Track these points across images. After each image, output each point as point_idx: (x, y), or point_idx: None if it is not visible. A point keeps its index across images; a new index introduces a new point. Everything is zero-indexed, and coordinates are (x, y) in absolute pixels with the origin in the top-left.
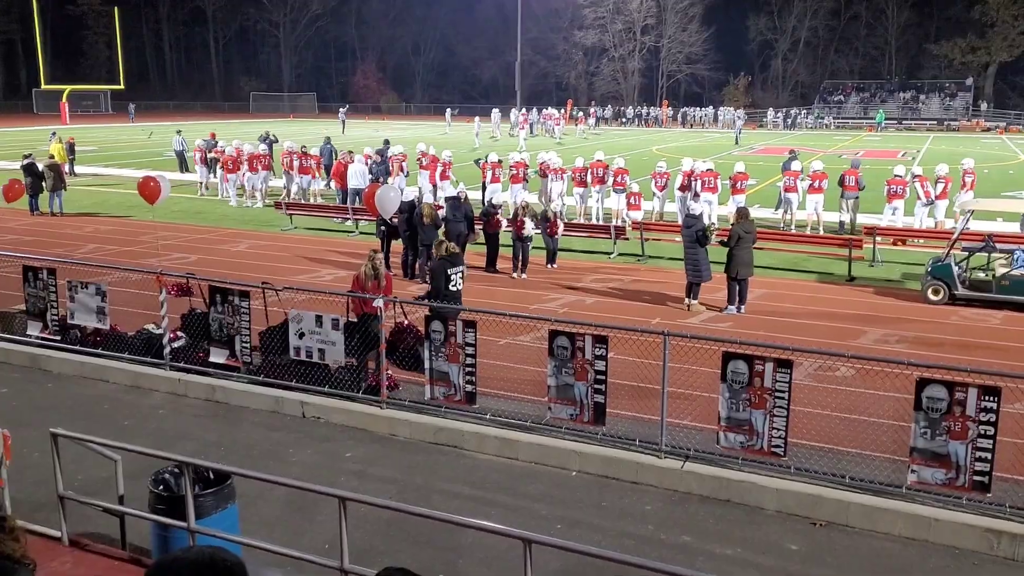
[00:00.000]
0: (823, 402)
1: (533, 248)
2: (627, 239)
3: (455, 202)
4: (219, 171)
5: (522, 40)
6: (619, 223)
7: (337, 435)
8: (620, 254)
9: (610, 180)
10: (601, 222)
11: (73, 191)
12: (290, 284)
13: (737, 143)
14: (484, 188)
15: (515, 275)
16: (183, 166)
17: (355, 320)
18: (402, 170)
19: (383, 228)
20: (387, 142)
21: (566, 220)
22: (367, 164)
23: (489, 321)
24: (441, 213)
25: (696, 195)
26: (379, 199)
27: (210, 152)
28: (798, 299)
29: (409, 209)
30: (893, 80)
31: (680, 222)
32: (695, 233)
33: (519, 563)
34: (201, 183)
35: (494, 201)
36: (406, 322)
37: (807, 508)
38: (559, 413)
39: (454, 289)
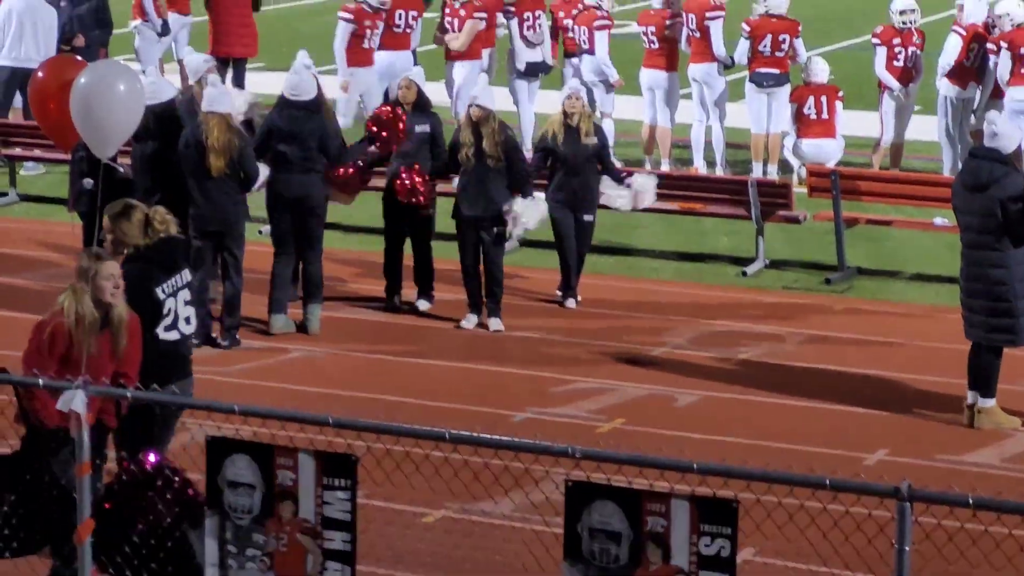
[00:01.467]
0: None
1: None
2: (797, 220)
3: (295, 110)
4: None
5: None
6: (770, 173)
7: None
8: (773, 263)
9: (742, 47)
10: (721, 170)
11: None
12: None
13: None
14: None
15: (467, 323)
16: None
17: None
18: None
19: (90, 188)
20: None
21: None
22: None
23: (395, 456)
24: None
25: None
26: (80, 99)
27: None
28: None
29: (159, 126)
30: None
31: (952, 173)
32: (998, 203)
33: None
34: None
35: (479, 103)
36: (153, 460)
37: None
38: None
39: (172, 337)
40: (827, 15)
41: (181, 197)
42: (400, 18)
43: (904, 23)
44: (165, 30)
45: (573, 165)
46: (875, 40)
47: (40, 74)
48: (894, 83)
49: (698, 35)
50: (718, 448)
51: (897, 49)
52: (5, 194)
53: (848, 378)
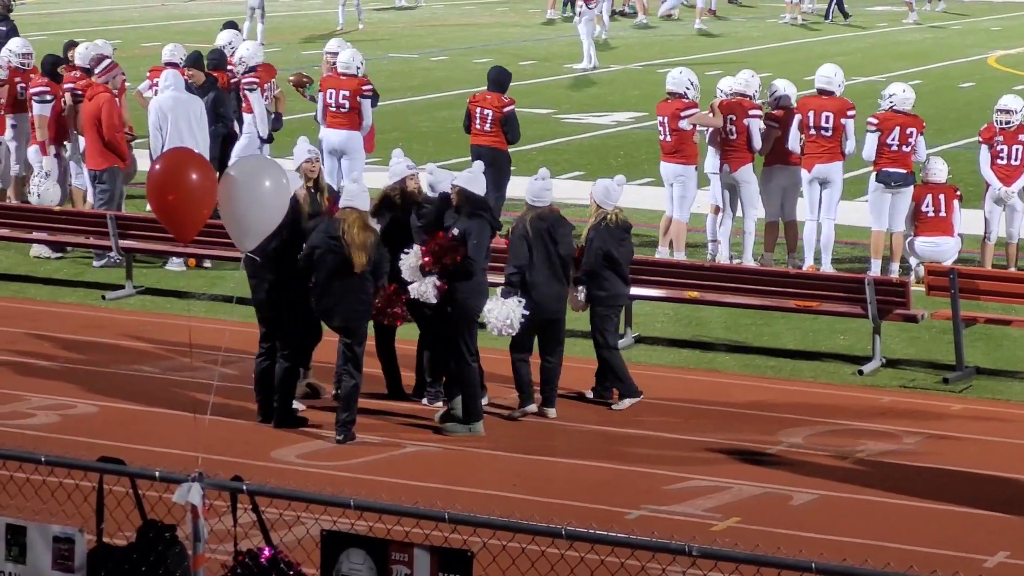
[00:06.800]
0: None
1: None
2: (914, 318)
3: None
4: None
5: None
6: (893, 271)
7: None
8: (889, 362)
9: (870, 142)
10: (823, 267)
11: None
12: None
13: None
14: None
15: (520, 409)
16: None
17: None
18: (275, 100)
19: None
20: (232, 27)
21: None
22: (175, 88)
23: (511, 552)
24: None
25: None
26: (227, 193)
27: None
28: None
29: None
30: None
31: None
32: None
33: None
34: None
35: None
36: (268, 554)
37: None
38: None
39: None
40: (945, 114)
41: (302, 290)
42: (331, 97)
43: (1003, 123)
44: (276, 124)
45: None
46: (980, 139)
47: (157, 167)
48: (995, 181)
49: (829, 134)
50: (835, 547)
51: (1000, 148)
52: (122, 287)
53: (966, 478)
